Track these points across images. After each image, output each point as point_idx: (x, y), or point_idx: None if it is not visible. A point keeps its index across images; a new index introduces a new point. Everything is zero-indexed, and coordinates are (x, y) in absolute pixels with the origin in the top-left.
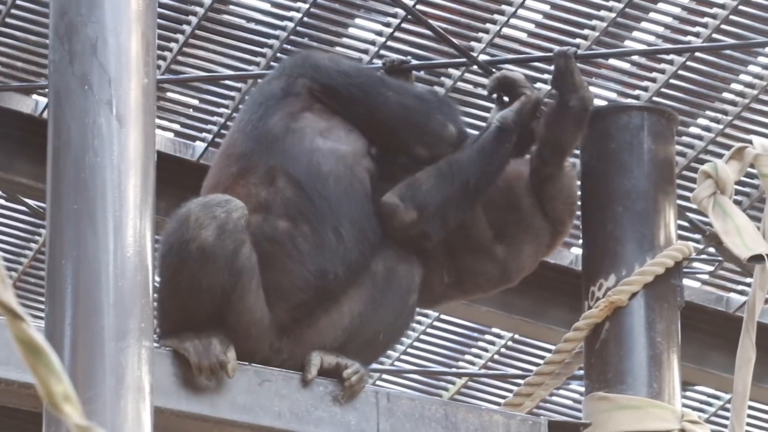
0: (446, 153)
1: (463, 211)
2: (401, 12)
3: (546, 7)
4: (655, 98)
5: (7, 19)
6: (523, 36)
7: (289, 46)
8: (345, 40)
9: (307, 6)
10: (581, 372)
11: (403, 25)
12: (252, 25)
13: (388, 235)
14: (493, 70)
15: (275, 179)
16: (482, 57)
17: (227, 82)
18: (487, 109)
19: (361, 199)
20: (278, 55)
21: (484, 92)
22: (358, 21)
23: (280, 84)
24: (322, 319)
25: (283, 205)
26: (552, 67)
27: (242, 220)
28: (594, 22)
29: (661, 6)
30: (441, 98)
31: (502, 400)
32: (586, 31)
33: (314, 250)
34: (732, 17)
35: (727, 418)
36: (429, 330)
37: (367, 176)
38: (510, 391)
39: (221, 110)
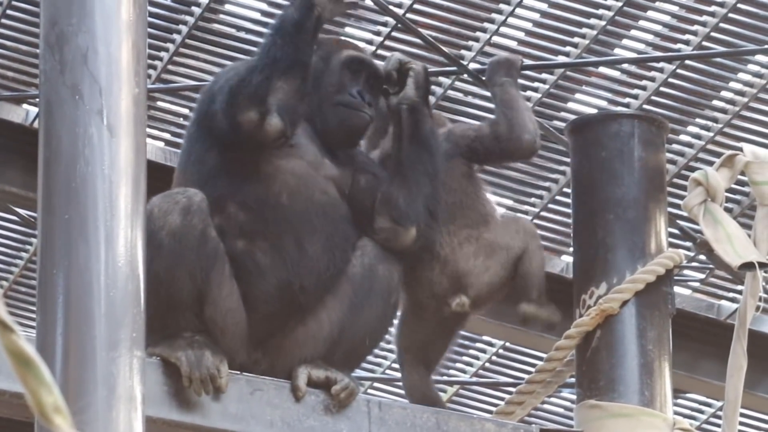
0: (263, 136)
1: (439, 201)
2: (392, 21)
3: (536, 16)
4: (645, 106)
5: None
6: (513, 44)
7: None
8: None
9: None
10: (573, 380)
11: (394, 33)
12: (242, 34)
13: (385, 247)
14: (484, 78)
15: (225, 207)
16: (473, 65)
17: None
18: (478, 118)
19: (325, 208)
20: None
21: (476, 101)
22: (348, 30)
23: (194, 119)
24: (299, 330)
25: (238, 228)
26: (542, 75)
27: (204, 203)
28: (584, 31)
29: (651, 14)
30: (246, 77)
31: (493, 408)
32: (576, 39)
33: (274, 264)
34: (722, 25)
35: (718, 426)
36: None
37: (329, 183)
38: (501, 399)
39: None
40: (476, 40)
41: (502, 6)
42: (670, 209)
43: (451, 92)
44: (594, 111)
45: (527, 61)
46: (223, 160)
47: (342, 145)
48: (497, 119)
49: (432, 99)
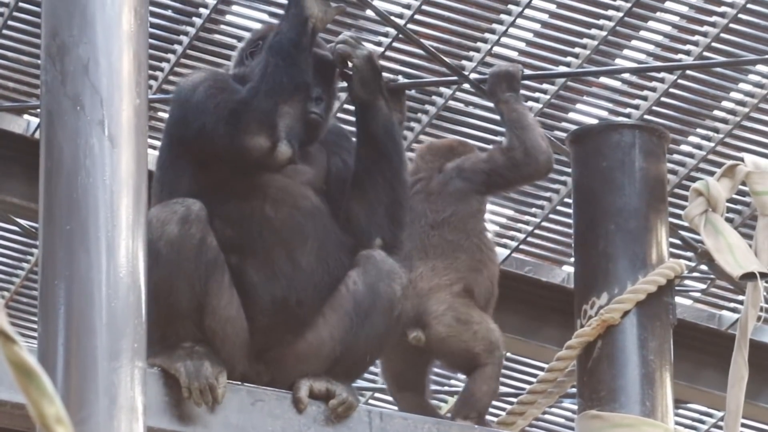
0: (273, 163)
1: (402, 204)
2: (392, 31)
3: (537, 26)
4: (646, 116)
5: None
6: (513, 54)
7: None
8: None
9: None
10: (574, 390)
11: (395, 44)
12: (243, 45)
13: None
14: (485, 89)
15: (211, 222)
16: (473, 75)
17: None
18: (479, 128)
19: (312, 212)
20: None
21: (476, 111)
22: None
23: (166, 144)
24: (301, 345)
25: (228, 243)
26: (543, 85)
27: (203, 212)
28: (585, 41)
29: (651, 24)
30: (252, 101)
31: (494, 419)
32: (577, 50)
33: (268, 281)
34: (723, 35)
35: None
36: None
37: (307, 188)
38: (502, 409)
39: None
40: (477, 50)
41: (503, 16)
42: (671, 219)
43: (452, 102)
44: (595, 121)
45: (528, 72)
46: (197, 183)
47: (302, 146)
48: (511, 143)
49: (433, 109)
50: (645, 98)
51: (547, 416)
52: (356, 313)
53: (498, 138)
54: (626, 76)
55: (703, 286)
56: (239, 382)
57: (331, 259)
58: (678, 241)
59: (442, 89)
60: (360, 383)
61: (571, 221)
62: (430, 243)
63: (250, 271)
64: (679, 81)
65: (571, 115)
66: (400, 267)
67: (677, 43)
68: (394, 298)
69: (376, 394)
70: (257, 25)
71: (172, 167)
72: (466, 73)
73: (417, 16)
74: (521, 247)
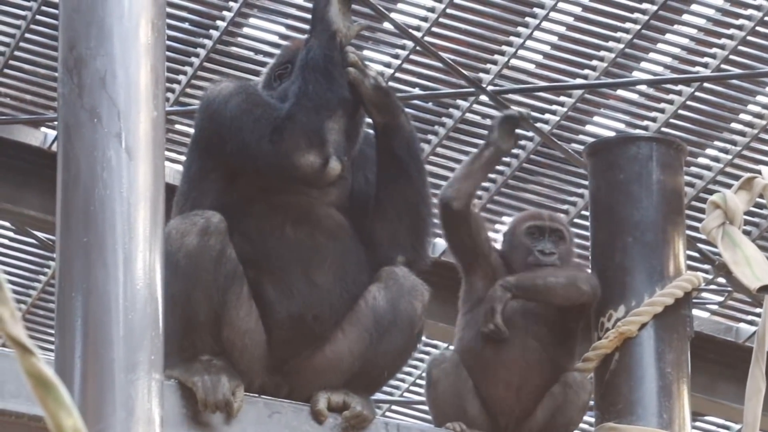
0: (324, 180)
1: (425, 220)
2: (410, 43)
3: (554, 39)
4: (663, 129)
5: (16, 53)
6: (531, 67)
7: None
8: None
9: None
10: (591, 402)
11: (412, 56)
12: (260, 57)
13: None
14: (502, 100)
15: (231, 235)
16: (491, 88)
17: None
18: None
19: (334, 236)
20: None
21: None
22: (366, 52)
23: (195, 158)
24: (318, 358)
25: (246, 257)
26: (560, 98)
27: (222, 224)
28: (602, 53)
29: (669, 37)
30: (296, 117)
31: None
32: (594, 62)
33: (283, 297)
34: (740, 48)
35: None
36: None
37: (330, 208)
38: None
39: None
40: (495, 62)
41: (520, 29)
42: (688, 232)
43: (469, 115)
44: (612, 134)
45: (545, 84)
46: (222, 199)
47: None
48: None
49: (450, 122)
50: (662, 111)
51: None
52: (375, 329)
53: (513, 150)
54: (643, 88)
55: (720, 299)
56: (257, 395)
57: (349, 278)
58: (695, 254)
59: (459, 101)
60: (378, 395)
61: (588, 234)
62: None
63: (267, 287)
64: (697, 93)
65: (588, 128)
66: (422, 284)
67: (694, 55)
68: (414, 315)
69: (394, 407)
70: (274, 38)
71: (201, 182)
72: (484, 85)
73: (434, 29)
74: None
